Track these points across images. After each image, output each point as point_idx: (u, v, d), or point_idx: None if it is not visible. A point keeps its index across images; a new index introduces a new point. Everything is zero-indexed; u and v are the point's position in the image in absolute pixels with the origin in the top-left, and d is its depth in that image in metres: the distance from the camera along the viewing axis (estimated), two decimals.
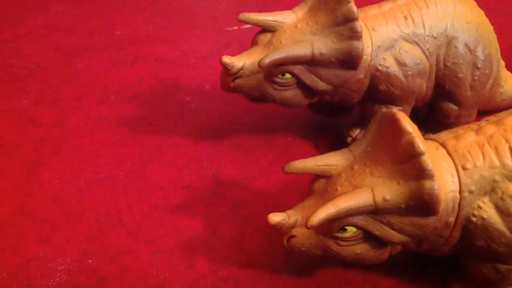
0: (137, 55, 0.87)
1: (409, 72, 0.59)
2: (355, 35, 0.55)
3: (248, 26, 0.95)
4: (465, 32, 0.60)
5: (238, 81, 0.59)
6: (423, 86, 0.61)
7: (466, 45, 0.60)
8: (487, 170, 0.43)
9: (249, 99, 0.62)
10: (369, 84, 0.60)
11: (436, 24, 0.60)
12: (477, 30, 0.61)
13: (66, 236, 0.58)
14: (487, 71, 0.62)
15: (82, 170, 0.66)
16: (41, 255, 0.56)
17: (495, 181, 0.43)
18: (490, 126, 0.45)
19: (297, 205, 0.48)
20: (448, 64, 0.60)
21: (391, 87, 0.60)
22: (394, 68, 0.59)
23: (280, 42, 0.57)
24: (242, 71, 0.58)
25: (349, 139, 0.66)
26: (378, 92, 0.61)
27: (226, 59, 0.57)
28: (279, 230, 0.47)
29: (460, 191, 0.43)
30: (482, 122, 0.47)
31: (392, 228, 0.43)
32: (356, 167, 0.45)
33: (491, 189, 0.43)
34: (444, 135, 0.47)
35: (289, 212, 0.47)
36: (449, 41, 0.60)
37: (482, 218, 0.43)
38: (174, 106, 0.76)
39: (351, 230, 0.44)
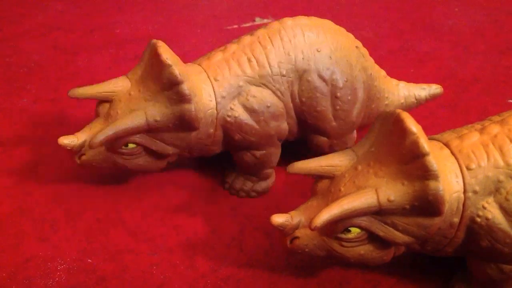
0: (137, 54, 0.87)
1: (261, 117, 0.56)
2: (184, 99, 0.52)
3: (248, 24, 0.95)
4: (318, 63, 0.56)
5: (83, 158, 0.56)
6: (281, 126, 0.58)
7: (320, 76, 0.56)
8: (492, 170, 0.43)
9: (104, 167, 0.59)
10: (224, 135, 0.57)
11: (283, 61, 0.56)
12: (330, 57, 0.57)
13: (66, 236, 0.58)
14: (349, 98, 0.58)
15: (82, 170, 0.66)
16: (40, 255, 0.56)
17: (499, 181, 0.43)
18: (494, 126, 0.45)
19: (300, 206, 0.48)
20: (304, 99, 0.57)
21: (246, 135, 0.57)
22: (244, 116, 0.56)
23: (117, 112, 0.54)
24: (84, 148, 0.55)
25: (226, 185, 0.63)
26: (235, 142, 0.57)
27: (64, 140, 0.54)
28: (282, 231, 0.47)
29: (465, 192, 0.43)
30: (486, 122, 0.47)
31: (396, 229, 0.43)
32: (359, 167, 0.45)
33: (495, 189, 0.43)
34: (448, 135, 0.47)
35: (292, 213, 0.46)
36: (301, 76, 0.56)
37: (487, 219, 0.43)
38: None
39: (355, 231, 0.44)
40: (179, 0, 1.03)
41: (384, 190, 0.42)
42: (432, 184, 0.41)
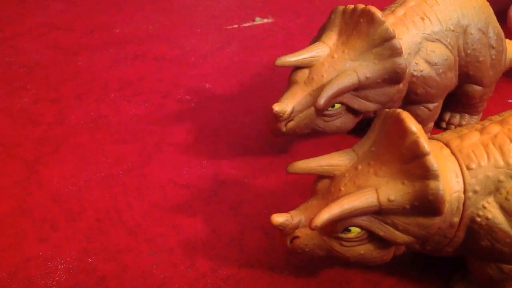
0: (137, 53, 0.87)
1: (441, 70, 0.61)
2: (396, 52, 0.55)
3: (248, 24, 0.95)
4: (475, 18, 0.63)
5: (290, 124, 0.58)
6: (453, 78, 0.63)
7: (479, 29, 0.63)
8: (492, 170, 0.43)
9: (298, 136, 0.61)
10: (407, 90, 0.61)
11: (450, 17, 0.62)
12: (484, 13, 0.64)
13: (66, 235, 0.58)
14: (501, 48, 0.65)
15: (82, 169, 0.66)
16: (40, 254, 0.56)
17: (499, 181, 0.43)
18: (494, 125, 0.45)
19: (300, 206, 0.47)
20: (469, 51, 0.63)
21: (428, 88, 0.61)
22: (427, 70, 0.60)
23: (322, 76, 0.57)
24: (292, 114, 0.57)
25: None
26: (416, 96, 0.62)
27: (277, 107, 0.56)
28: (282, 231, 0.47)
29: (465, 191, 0.43)
30: (486, 122, 0.47)
31: (397, 228, 0.43)
32: (360, 167, 0.45)
33: (495, 189, 0.43)
34: (448, 135, 0.47)
35: (292, 212, 0.46)
36: (465, 30, 0.62)
37: (487, 218, 0.43)
38: (174, 104, 0.76)
39: (355, 230, 0.44)
40: (179, 0, 1.03)
41: (384, 189, 0.42)
42: (432, 183, 0.41)
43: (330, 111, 0.58)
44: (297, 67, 0.58)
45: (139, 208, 0.61)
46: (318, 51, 0.57)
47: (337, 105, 0.58)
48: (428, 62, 0.60)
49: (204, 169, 0.66)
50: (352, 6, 0.57)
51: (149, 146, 0.69)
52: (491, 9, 0.66)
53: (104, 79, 0.81)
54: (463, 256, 0.49)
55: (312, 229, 0.43)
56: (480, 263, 0.46)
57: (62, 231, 0.58)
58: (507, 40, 0.72)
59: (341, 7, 0.58)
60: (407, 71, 0.59)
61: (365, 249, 0.45)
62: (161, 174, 0.65)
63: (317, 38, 0.60)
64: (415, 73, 0.60)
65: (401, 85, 0.59)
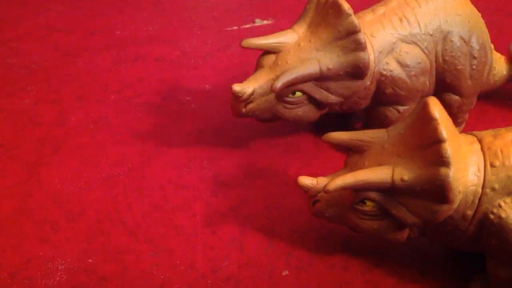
0: (137, 55, 0.87)
1: (412, 72, 0.60)
2: (360, 47, 0.56)
3: (248, 26, 0.95)
4: (458, 25, 0.62)
5: (249, 106, 0.59)
6: (426, 83, 0.62)
7: (461, 37, 0.62)
8: None
9: (259, 120, 0.62)
10: (375, 89, 0.61)
11: (430, 22, 0.61)
12: (468, 21, 0.62)
13: (66, 236, 0.58)
14: (483, 59, 0.64)
15: (82, 170, 0.66)
16: (41, 255, 0.56)
17: None
18: None
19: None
20: (447, 58, 0.62)
21: (397, 89, 0.61)
22: (398, 71, 0.60)
23: (286, 62, 0.57)
24: (253, 96, 0.58)
25: None
26: (385, 96, 0.62)
27: (236, 87, 0.57)
28: (306, 192, 0.50)
29: (483, 187, 0.44)
30: None
31: (407, 208, 0.45)
32: (386, 146, 0.46)
33: None
34: (485, 132, 0.48)
35: (319, 178, 0.49)
36: (445, 36, 0.61)
37: (500, 217, 0.43)
38: (174, 106, 0.76)
39: (370, 204, 0.46)
40: (179, 2, 1.04)
41: (400, 169, 0.44)
42: (442, 170, 0.42)
43: (291, 98, 0.58)
44: (266, 52, 0.59)
45: (139, 209, 0.61)
46: (286, 38, 0.58)
47: (298, 93, 0.58)
48: (400, 63, 0.60)
49: (204, 170, 0.66)
50: None
51: (150, 147, 0.69)
52: (481, 20, 0.65)
53: (105, 80, 0.81)
54: (483, 257, 0.49)
55: (325, 192, 0.46)
56: (494, 263, 0.47)
57: (63, 231, 0.58)
58: (503, 56, 0.71)
59: None
60: (376, 69, 0.59)
61: (379, 225, 0.47)
62: (161, 175, 0.65)
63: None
64: (384, 72, 0.60)
65: (368, 82, 0.59)
